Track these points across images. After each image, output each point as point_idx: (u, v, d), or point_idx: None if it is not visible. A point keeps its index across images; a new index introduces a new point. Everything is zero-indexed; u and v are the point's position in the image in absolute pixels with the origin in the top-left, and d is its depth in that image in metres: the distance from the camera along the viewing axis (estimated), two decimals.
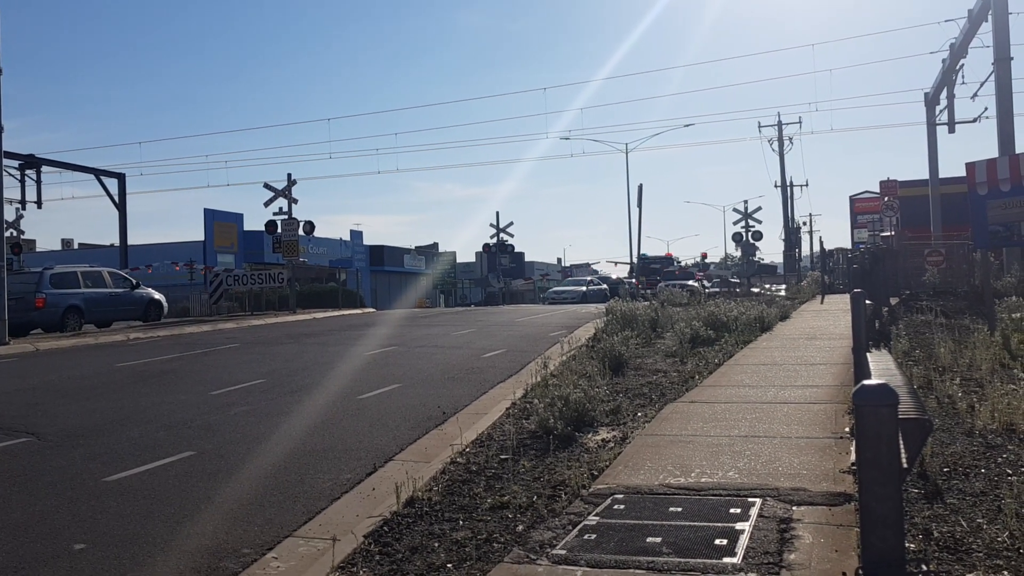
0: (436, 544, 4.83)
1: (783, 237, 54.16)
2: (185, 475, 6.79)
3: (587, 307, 27.67)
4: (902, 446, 3.37)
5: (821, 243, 32.77)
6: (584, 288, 42.25)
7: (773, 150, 52.57)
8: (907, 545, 4.27)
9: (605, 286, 45.94)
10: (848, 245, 53.37)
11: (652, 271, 45.87)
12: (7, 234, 29.92)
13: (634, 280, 44.02)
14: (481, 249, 51.94)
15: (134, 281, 24.81)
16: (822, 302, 23.67)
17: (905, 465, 3.38)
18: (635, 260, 44.48)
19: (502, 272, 46.89)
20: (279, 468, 6.92)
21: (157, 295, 25.33)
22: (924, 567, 4.02)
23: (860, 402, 3.15)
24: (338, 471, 6.78)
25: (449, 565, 4.48)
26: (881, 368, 5.56)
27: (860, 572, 3.26)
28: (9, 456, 7.61)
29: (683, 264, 59.87)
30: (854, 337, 6.95)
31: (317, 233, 34.05)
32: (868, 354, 6.35)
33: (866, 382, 3.23)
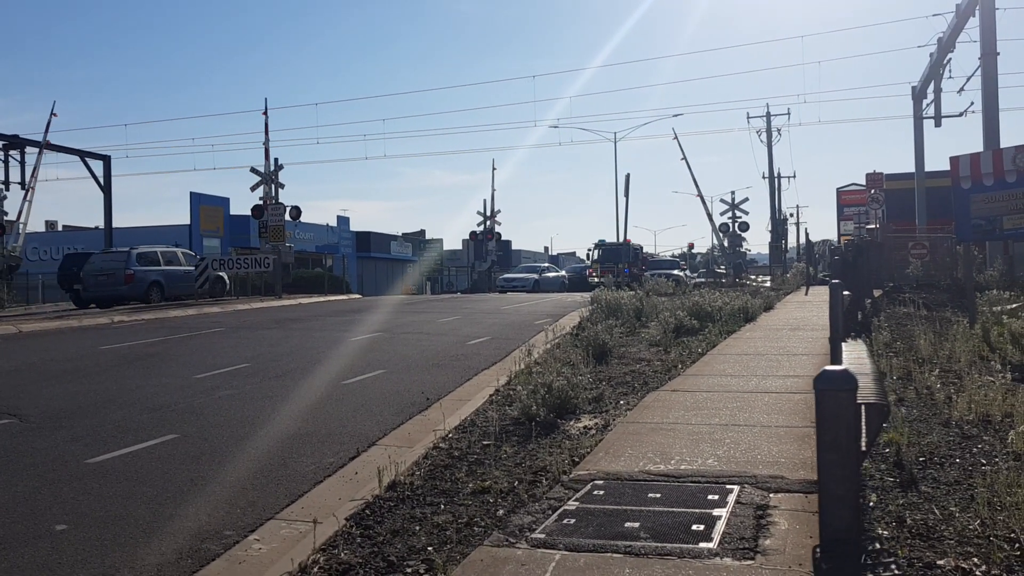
0: (417, 527, 4.88)
1: (770, 228, 54.27)
2: (168, 458, 6.81)
3: (573, 296, 27.72)
4: (864, 429, 3.43)
5: (807, 235, 33.00)
6: (536, 276, 41.31)
7: (761, 141, 52.32)
8: (880, 532, 4.35)
9: (563, 273, 44.78)
10: (834, 237, 53.63)
11: (611, 259, 43.10)
12: None
13: (588, 270, 42.24)
14: (468, 237, 51.89)
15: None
16: (806, 293, 23.82)
17: (864, 448, 3.44)
18: (590, 249, 43.03)
19: (486, 256, 46.80)
20: (262, 452, 6.94)
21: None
22: (878, 545, 4.11)
23: (821, 386, 3.21)
24: (321, 455, 6.81)
25: (430, 548, 4.52)
26: (853, 357, 5.64)
27: (817, 550, 3.34)
28: None
29: (647, 253, 58.23)
30: (831, 327, 7.03)
31: (304, 218, 33.95)
32: (844, 344, 6.43)
33: (827, 367, 3.29)
